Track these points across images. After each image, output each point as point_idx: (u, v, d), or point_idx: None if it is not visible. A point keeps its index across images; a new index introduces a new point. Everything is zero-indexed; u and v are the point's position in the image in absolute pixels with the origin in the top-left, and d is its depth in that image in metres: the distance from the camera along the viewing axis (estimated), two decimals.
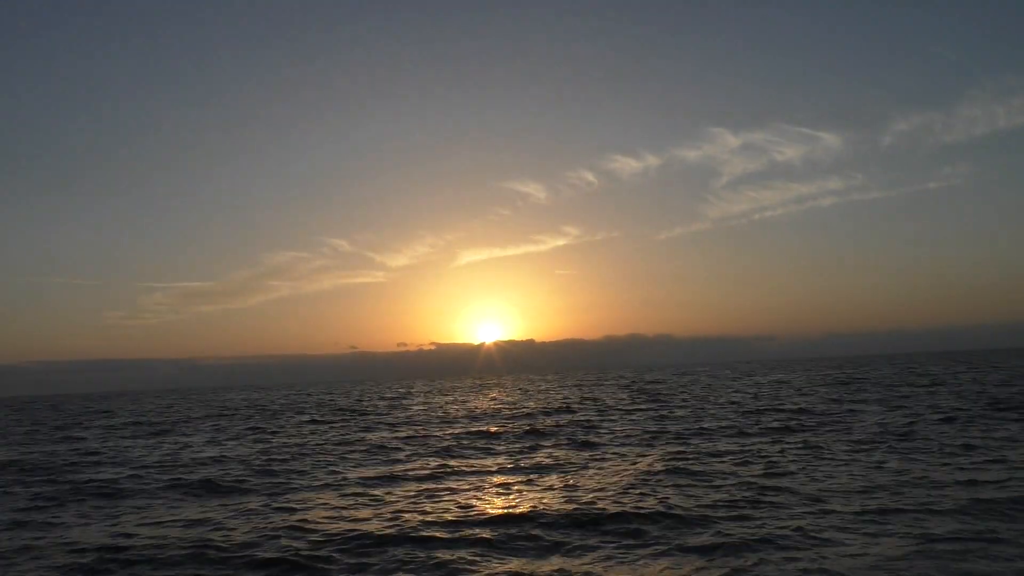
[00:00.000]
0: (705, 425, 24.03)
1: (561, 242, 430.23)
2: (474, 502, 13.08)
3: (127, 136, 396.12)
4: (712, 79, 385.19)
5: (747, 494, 12.50)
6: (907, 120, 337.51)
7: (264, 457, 20.83)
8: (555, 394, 52.83)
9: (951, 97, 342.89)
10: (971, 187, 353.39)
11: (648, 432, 22.66)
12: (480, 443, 22.17)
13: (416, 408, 43.76)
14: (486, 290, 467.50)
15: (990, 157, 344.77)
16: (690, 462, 16.21)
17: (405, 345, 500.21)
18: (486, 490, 14.30)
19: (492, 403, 45.47)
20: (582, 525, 10.92)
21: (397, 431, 27.79)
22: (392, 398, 60.21)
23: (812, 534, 9.74)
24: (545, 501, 12.74)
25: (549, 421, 28.76)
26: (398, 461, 18.93)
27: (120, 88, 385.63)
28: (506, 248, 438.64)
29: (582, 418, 29.29)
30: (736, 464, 15.77)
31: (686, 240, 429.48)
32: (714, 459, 16.59)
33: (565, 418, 29.77)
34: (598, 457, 18.00)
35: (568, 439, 21.90)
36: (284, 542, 10.69)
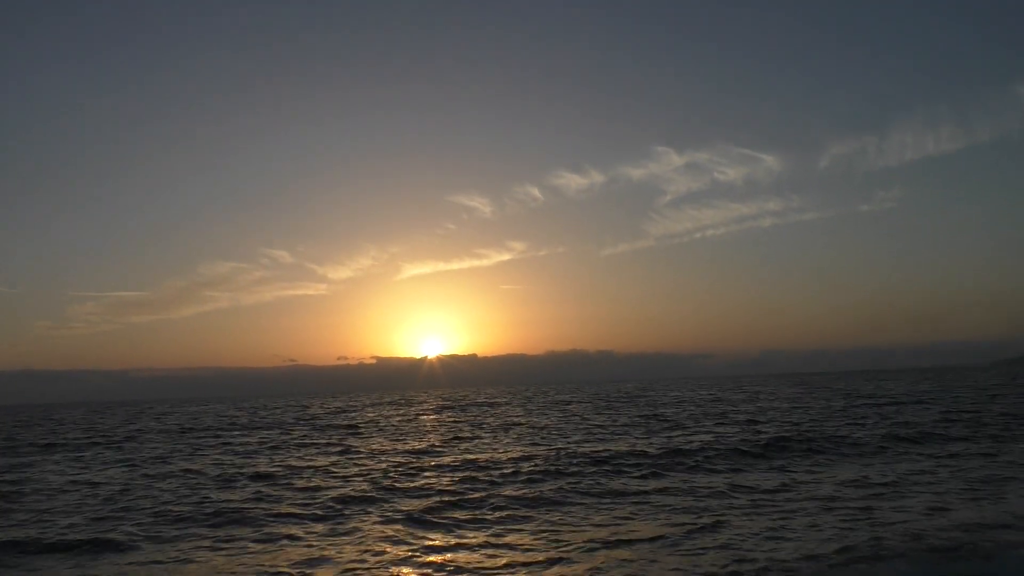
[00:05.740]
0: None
1: (506, 257, 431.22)
2: None
3: (56, 140, 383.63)
4: (658, 99, 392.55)
5: None
6: (842, 144, 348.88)
7: None
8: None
9: (884, 124, 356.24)
10: (902, 210, 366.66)
11: None
12: None
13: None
14: (430, 304, 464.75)
15: (920, 182, 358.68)
16: None
17: (346, 359, 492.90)
18: None
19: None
20: None
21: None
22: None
23: None
24: None
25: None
26: None
27: (50, 90, 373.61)
28: (451, 262, 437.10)
29: None
30: None
31: (629, 257, 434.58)
32: None
33: None
34: None
35: None
36: None
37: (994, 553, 9.27)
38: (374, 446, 26.73)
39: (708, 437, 23.79)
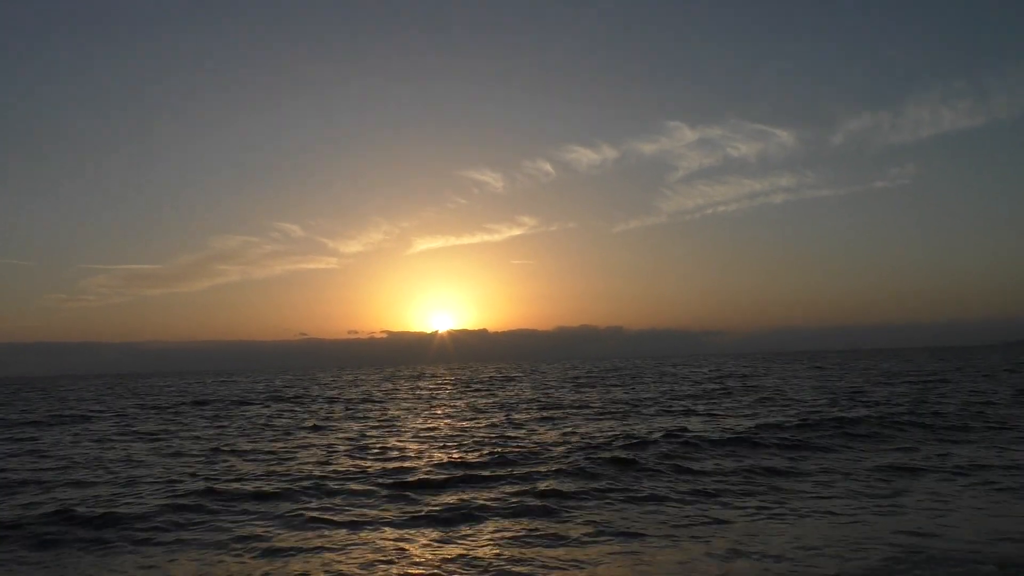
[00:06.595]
0: None
1: (517, 232, 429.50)
2: None
3: (70, 113, 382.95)
4: (670, 73, 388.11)
5: None
6: (857, 120, 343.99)
7: None
8: None
9: (900, 99, 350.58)
10: (916, 188, 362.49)
11: None
12: None
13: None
14: (440, 279, 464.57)
15: (935, 159, 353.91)
16: None
17: (356, 333, 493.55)
18: None
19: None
20: None
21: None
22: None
23: None
24: None
25: None
26: None
27: (63, 65, 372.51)
28: (461, 237, 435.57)
29: None
30: None
31: (640, 233, 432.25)
32: None
33: None
34: None
35: None
36: None
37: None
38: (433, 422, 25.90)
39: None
